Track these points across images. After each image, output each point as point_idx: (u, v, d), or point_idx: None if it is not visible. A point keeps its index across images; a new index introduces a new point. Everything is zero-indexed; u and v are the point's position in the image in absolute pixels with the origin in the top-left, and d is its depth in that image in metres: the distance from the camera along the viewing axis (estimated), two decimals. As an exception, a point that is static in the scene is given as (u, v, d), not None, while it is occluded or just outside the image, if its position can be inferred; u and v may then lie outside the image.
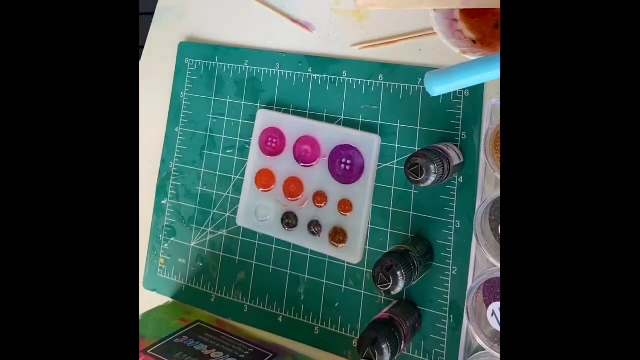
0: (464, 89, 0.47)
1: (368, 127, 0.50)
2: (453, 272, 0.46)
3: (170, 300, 0.58)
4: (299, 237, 0.51)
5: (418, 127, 0.48)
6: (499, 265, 0.40)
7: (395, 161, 0.49)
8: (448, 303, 0.45)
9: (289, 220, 0.52)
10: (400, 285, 0.39)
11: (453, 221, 0.46)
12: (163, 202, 0.60)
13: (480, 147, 0.46)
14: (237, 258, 0.55)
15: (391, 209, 0.49)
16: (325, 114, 0.52)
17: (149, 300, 0.58)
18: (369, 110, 0.50)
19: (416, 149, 0.48)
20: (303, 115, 0.53)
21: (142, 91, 0.63)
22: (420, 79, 0.49)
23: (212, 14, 0.61)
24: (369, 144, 0.49)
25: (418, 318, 0.45)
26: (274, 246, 0.53)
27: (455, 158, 0.43)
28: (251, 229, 0.54)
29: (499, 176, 0.42)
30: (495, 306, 0.41)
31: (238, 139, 0.56)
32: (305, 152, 0.52)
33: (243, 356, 0.48)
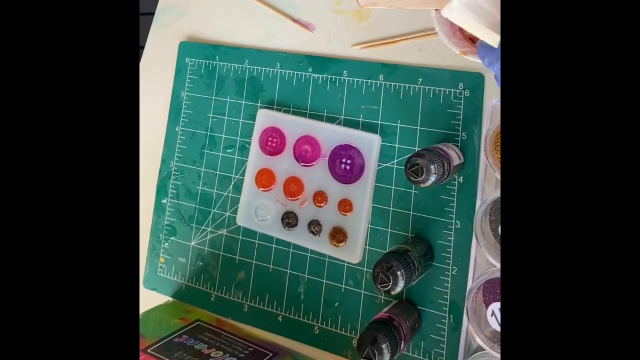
0: (464, 89, 0.47)
1: (368, 127, 0.50)
2: (453, 272, 0.46)
3: (170, 299, 0.58)
4: (299, 237, 0.51)
5: (418, 127, 0.48)
6: (499, 265, 0.40)
7: (395, 161, 0.49)
8: (448, 303, 0.45)
9: (289, 219, 0.52)
10: (400, 285, 0.39)
11: (453, 221, 0.46)
12: (163, 201, 0.60)
13: (480, 147, 0.46)
14: (237, 257, 0.55)
15: (391, 209, 0.49)
16: (325, 114, 0.52)
17: (149, 299, 0.58)
18: (369, 110, 0.50)
19: (416, 149, 0.48)
20: (303, 115, 0.53)
21: (142, 91, 0.63)
22: (421, 79, 0.49)
23: (213, 13, 0.61)
24: (369, 144, 0.49)
25: (418, 318, 0.45)
26: (274, 246, 0.53)
27: (456, 158, 0.43)
28: (251, 228, 0.54)
29: (499, 176, 0.42)
30: (495, 306, 0.41)
31: (238, 139, 0.56)
32: (306, 151, 0.52)
33: (243, 355, 0.48)
